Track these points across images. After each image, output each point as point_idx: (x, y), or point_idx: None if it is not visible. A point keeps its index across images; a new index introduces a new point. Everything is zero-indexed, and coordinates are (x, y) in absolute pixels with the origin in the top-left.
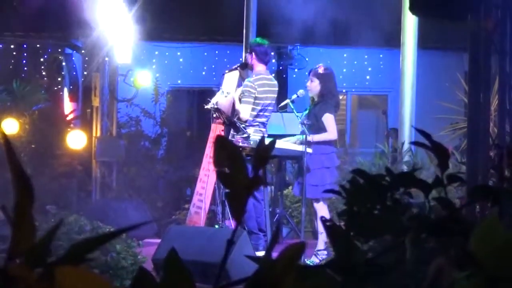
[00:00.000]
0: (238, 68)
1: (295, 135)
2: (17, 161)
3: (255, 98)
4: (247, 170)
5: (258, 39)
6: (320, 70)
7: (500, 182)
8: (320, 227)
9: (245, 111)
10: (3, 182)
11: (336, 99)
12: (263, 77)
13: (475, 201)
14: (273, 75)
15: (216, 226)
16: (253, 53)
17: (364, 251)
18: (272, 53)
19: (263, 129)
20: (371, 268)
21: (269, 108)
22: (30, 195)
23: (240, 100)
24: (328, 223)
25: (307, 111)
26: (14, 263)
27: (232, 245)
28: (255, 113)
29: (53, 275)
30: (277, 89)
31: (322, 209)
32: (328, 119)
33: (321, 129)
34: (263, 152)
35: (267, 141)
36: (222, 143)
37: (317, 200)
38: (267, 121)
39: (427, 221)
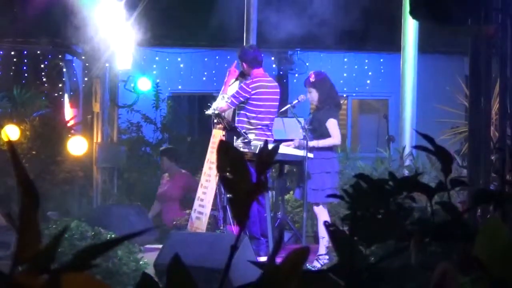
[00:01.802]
0: (239, 77)
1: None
2: (23, 168)
3: (248, 99)
4: (250, 175)
5: (245, 47)
6: (312, 79)
7: (502, 186)
8: (321, 232)
9: (223, 107)
10: (3, 189)
11: (335, 101)
12: (259, 80)
13: (478, 205)
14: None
15: (218, 232)
16: (244, 63)
17: (367, 255)
18: (272, 58)
19: (268, 133)
20: (374, 272)
21: (271, 110)
22: (35, 202)
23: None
24: (331, 228)
25: (310, 116)
26: (19, 269)
27: (235, 251)
28: (255, 115)
29: (58, 282)
30: (277, 90)
31: (322, 213)
32: (331, 124)
33: (325, 134)
34: (266, 157)
35: (270, 146)
36: (225, 148)
37: (317, 204)
38: (271, 123)
39: (430, 225)
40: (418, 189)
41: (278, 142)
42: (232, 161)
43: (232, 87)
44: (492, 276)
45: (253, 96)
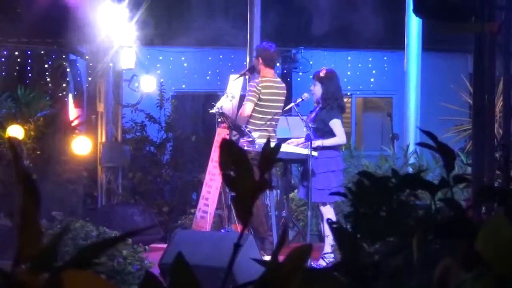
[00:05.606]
0: (247, 72)
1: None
2: (23, 166)
3: (259, 99)
4: (253, 173)
5: (268, 44)
6: (322, 74)
7: (506, 182)
8: (327, 230)
9: (246, 108)
10: (7, 189)
11: (338, 102)
12: (269, 80)
13: (482, 202)
14: None
15: (222, 231)
16: (260, 58)
17: (370, 253)
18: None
19: (273, 134)
20: (377, 270)
21: (277, 110)
22: (36, 201)
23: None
24: (334, 226)
25: (313, 114)
26: (21, 268)
27: (238, 249)
28: (261, 115)
29: (60, 280)
30: (284, 91)
31: (329, 213)
32: (336, 124)
33: (328, 133)
34: (269, 155)
35: (272, 144)
36: (228, 146)
37: (324, 204)
38: (276, 124)
39: (433, 222)
40: (421, 186)
41: (282, 140)
42: (234, 158)
43: (236, 83)
44: (495, 272)
45: (261, 96)
